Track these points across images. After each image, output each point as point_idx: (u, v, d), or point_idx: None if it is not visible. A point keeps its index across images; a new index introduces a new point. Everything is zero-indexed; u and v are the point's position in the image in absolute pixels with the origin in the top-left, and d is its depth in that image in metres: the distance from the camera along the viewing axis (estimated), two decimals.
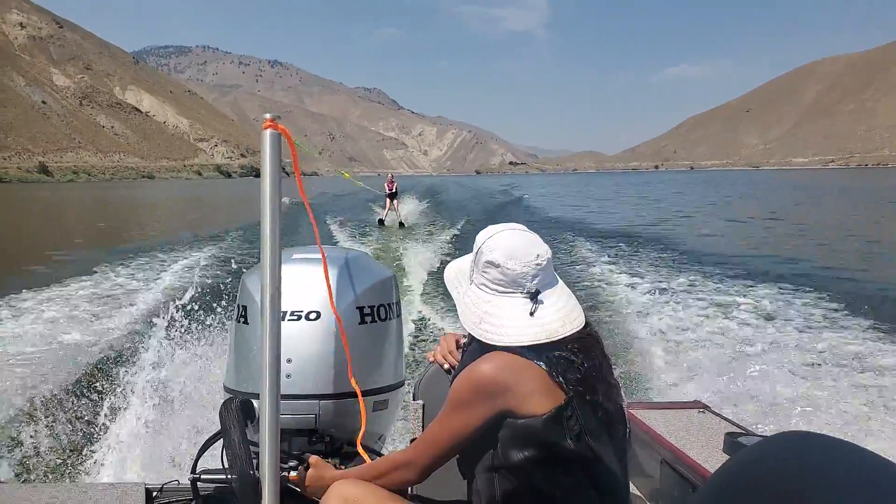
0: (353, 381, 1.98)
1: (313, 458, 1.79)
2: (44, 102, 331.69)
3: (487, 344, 1.50)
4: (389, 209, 21.29)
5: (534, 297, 1.49)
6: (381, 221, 20.90)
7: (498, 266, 1.50)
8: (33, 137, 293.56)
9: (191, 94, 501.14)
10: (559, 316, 1.49)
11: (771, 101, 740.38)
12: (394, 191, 21.44)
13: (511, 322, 1.48)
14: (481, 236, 1.59)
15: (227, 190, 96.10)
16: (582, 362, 1.46)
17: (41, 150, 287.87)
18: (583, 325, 1.51)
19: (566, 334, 1.47)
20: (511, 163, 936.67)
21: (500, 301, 1.51)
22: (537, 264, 1.50)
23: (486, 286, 1.54)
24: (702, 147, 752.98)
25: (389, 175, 22.65)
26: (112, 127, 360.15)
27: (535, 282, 1.50)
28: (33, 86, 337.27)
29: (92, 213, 41.85)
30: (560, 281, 1.58)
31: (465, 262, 1.68)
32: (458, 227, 19.23)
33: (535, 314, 1.47)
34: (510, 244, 1.52)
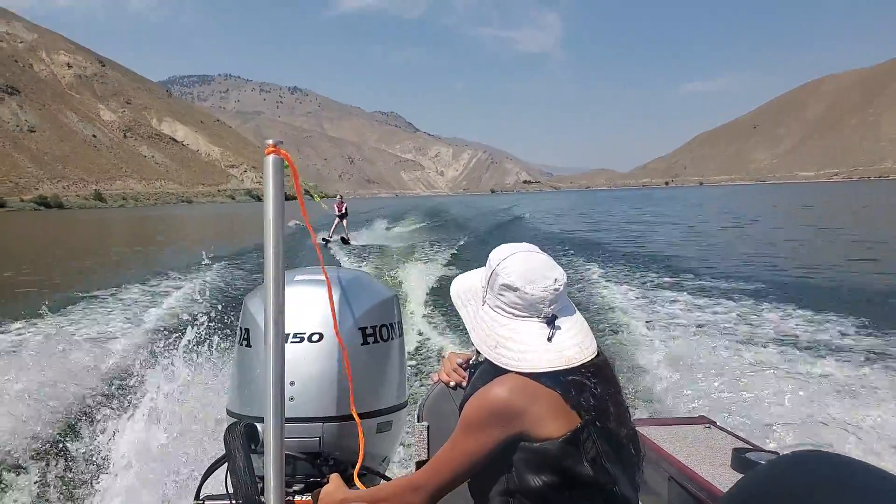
0: (353, 410, 1.96)
1: (334, 475, 1.79)
2: (94, 136, 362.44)
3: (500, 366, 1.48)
4: (336, 228, 22.15)
5: (551, 322, 1.47)
6: (325, 241, 20.90)
7: (516, 290, 1.47)
8: (87, 168, 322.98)
9: (220, 124, 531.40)
10: (576, 342, 1.47)
11: (778, 116, 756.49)
12: (343, 212, 22.23)
13: (529, 347, 1.45)
14: (495, 256, 1.55)
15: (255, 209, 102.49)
16: (595, 387, 1.45)
17: (94, 179, 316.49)
18: (596, 352, 1.50)
19: (583, 361, 1.45)
20: (525, 181, 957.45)
21: (517, 325, 1.48)
22: (555, 289, 1.47)
23: (502, 309, 1.51)
24: (711, 163, 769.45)
25: (339, 197, 23.58)
26: (153, 157, 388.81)
27: (552, 307, 1.48)
28: (84, 121, 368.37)
29: (107, 236, 43.65)
30: (573, 306, 1.56)
31: (473, 278, 1.64)
32: (458, 245, 19.43)
33: (552, 340, 1.46)
34: (527, 267, 1.49)
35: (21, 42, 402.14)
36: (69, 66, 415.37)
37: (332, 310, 1.98)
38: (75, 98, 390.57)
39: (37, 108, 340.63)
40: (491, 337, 1.50)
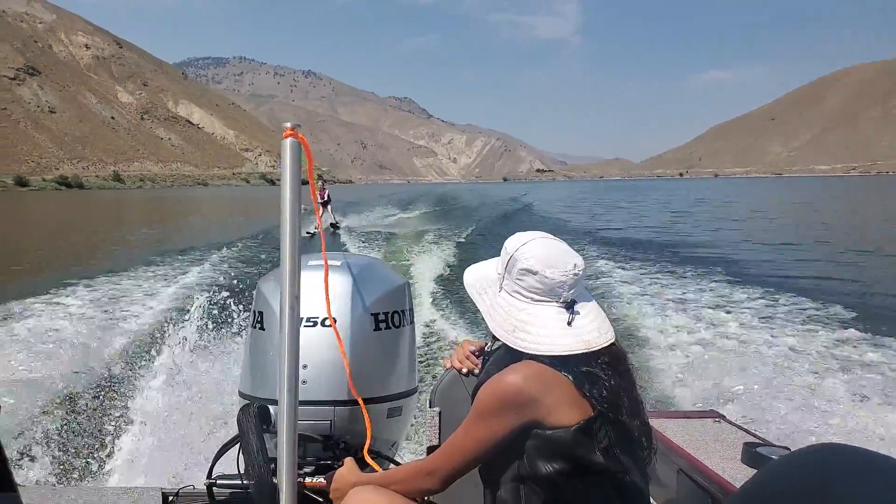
0: (353, 390, 2.00)
1: (348, 459, 1.83)
2: (112, 118, 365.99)
3: (515, 351, 1.49)
4: (322, 215, 26.00)
5: (569, 306, 1.48)
6: (309, 234, 19.83)
7: (535, 273, 1.48)
8: (105, 149, 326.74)
9: (235, 107, 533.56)
10: (594, 326, 1.48)
11: (795, 109, 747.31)
12: (326, 199, 22.92)
13: (547, 331, 1.46)
14: (512, 243, 1.55)
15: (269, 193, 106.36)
16: (610, 378, 1.44)
17: (112, 161, 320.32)
18: (614, 337, 1.50)
19: (602, 345, 1.46)
20: (538, 170, 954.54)
21: (536, 310, 1.49)
22: (575, 274, 1.48)
23: (520, 294, 1.51)
24: (726, 155, 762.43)
25: (321, 183, 24.37)
26: (169, 139, 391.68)
27: (571, 292, 1.48)
28: (103, 103, 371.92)
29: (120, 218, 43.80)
30: (589, 292, 1.57)
31: (487, 268, 1.65)
32: (468, 233, 19.49)
33: (572, 324, 1.46)
34: (546, 252, 1.50)
35: (41, 23, 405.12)
36: (87, 47, 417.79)
37: (327, 296, 2.01)
38: (93, 79, 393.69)
39: (57, 89, 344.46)
40: (508, 321, 1.51)
